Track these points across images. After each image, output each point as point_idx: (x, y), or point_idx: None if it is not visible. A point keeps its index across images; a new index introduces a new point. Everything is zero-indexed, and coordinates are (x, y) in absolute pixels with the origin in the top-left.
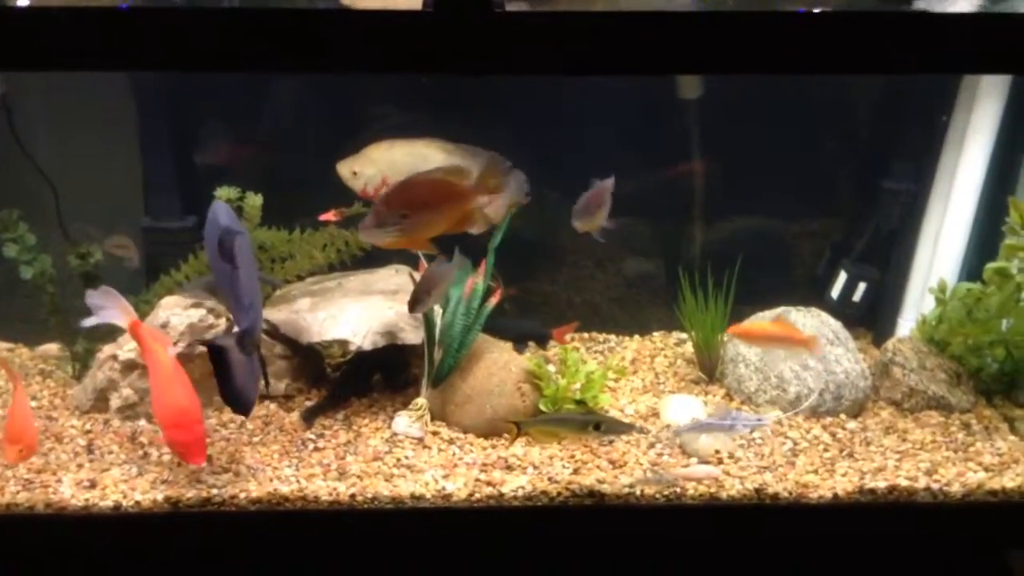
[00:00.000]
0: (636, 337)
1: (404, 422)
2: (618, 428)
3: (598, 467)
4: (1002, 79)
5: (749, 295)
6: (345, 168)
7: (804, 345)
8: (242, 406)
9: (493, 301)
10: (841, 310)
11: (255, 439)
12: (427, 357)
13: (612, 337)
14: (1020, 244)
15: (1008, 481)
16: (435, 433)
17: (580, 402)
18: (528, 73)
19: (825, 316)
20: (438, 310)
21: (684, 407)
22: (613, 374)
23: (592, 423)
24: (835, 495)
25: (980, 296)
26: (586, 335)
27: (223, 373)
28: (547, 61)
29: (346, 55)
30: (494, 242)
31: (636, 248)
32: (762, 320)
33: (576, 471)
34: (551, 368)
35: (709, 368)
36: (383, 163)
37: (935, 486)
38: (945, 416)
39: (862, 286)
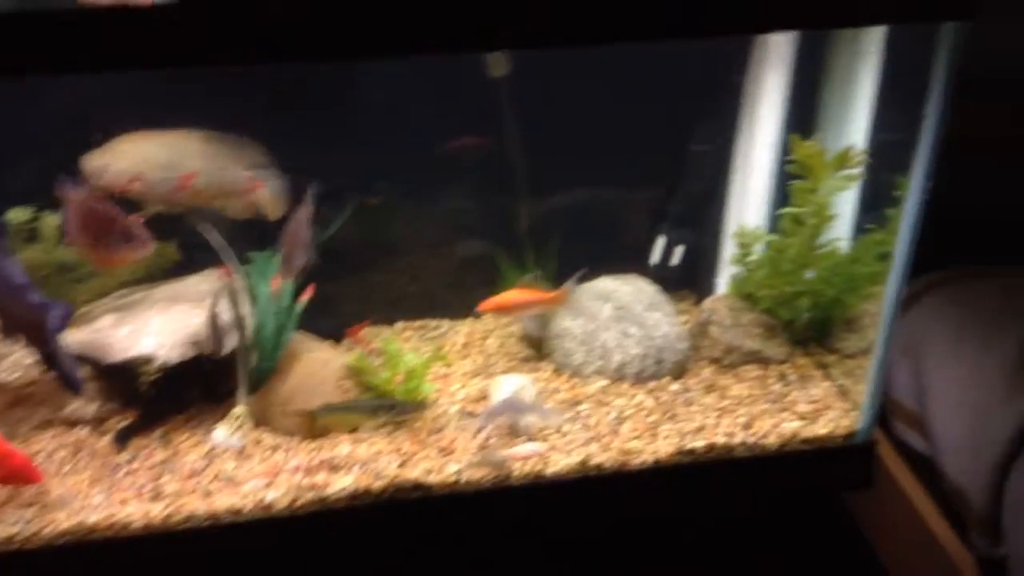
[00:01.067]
0: (469, 320)
1: (223, 433)
2: (410, 408)
3: (427, 457)
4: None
5: (576, 268)
6: (92, 163)
7: (555, 302)
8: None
9: (305, 298)
10: (662, 275)
11: (65, 468)
12: (241, 362)
13: (445, 323)
14: (807, 186)
15: (821, 428)
16: (258, 441)
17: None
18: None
19: (642, 282)
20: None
21: (512, 387)
22: (437, 361)
23: (385, 406)
24: (656, 460)
25: (780, 247)
26: (419, 323)
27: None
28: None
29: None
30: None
31: (467, 230)
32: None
33: (403, 464)
34: (377, 361)
35: (538, 344)
36: (135, 157)
37: (752, 440)
38: (763, 369)
39: (679, 249)
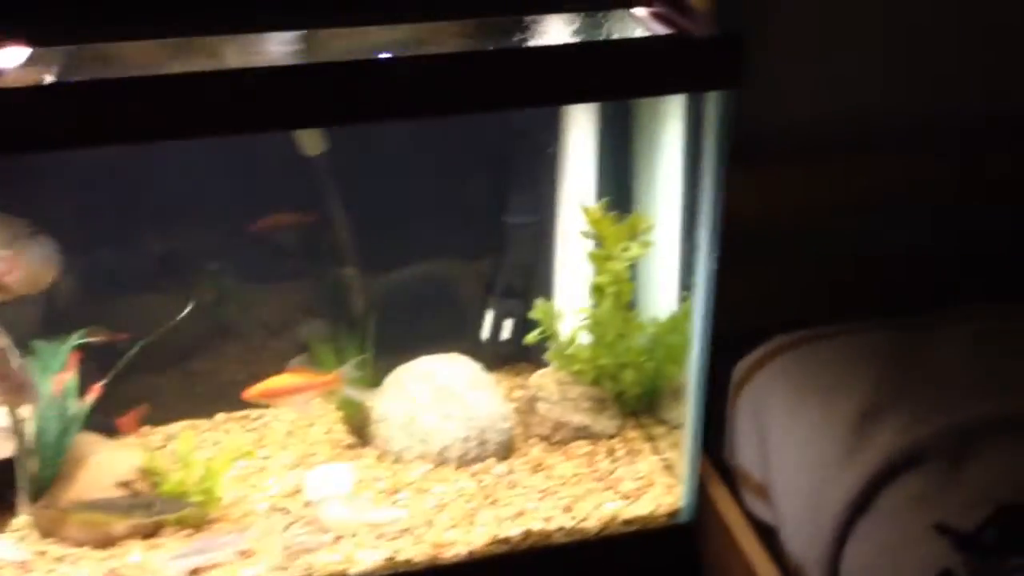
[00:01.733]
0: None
1: (4, 546)
2: (172, 507)
3: (225, 561)
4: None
5: (403, 346)
6: None
7: (329, 386)
8: None
9: (90, 397)
10: (494, 349)
11: None
12: (21, 470)
13: (269, 411)
14: (601, 253)
15: (643, 507)
16: (42, 553)
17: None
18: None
19: (464, 360)
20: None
21: (327, 479)
22: (242, 458)
23: (142, 505)
24: (471, 551)
25: (599, 318)
26: (242, 413)
27: None
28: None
29: None
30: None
31: (302, 312)
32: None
33: (195, 571)
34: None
35: (360, 430)
36: None
37: (571, 524)
38: (593, 444)
39: (508, 323)
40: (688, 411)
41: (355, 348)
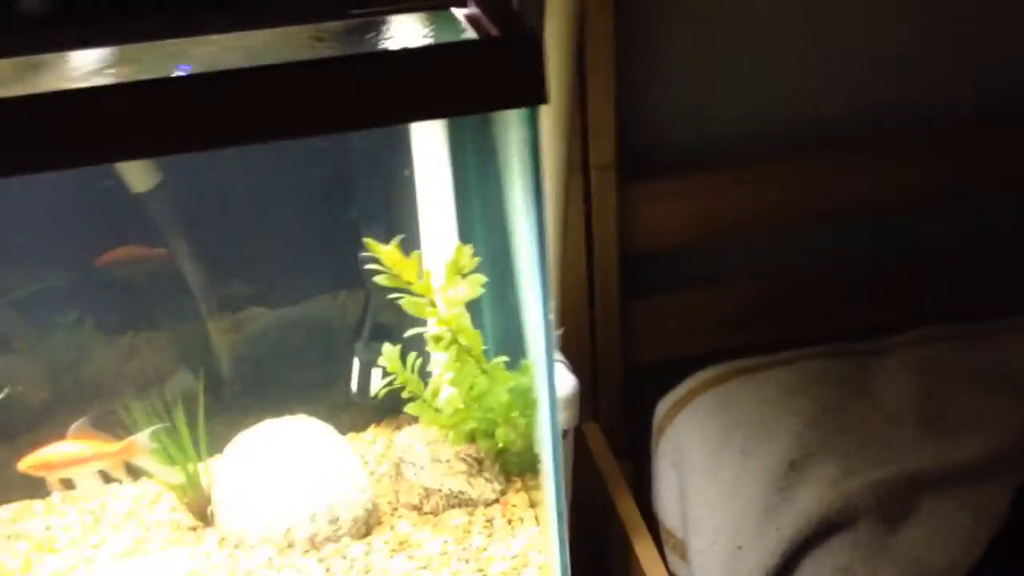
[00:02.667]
0: (143, 479)
1: None
2: None
3: None
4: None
5: (254, 404)
6: None
7: (121, 456)
8: None
9: None
10: (365, 403)
11: None
12: None
13: (111, 487)
14: (419, 301)
15: None
16: None
17: None
18: None
19: (313, 422)
20: None
21: (153, 572)
22: (43, 552)
23: None
24: None
25: (457, 370)
26: (77, 492)
27: None
28: None
29: None
30: None
31: (163, 363)
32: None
33: None
34: None
35: (201, 510)
36: None
37: None
38: (469, 513)
39: (377, 373)
40: (546, 488)
41: (178, 407)
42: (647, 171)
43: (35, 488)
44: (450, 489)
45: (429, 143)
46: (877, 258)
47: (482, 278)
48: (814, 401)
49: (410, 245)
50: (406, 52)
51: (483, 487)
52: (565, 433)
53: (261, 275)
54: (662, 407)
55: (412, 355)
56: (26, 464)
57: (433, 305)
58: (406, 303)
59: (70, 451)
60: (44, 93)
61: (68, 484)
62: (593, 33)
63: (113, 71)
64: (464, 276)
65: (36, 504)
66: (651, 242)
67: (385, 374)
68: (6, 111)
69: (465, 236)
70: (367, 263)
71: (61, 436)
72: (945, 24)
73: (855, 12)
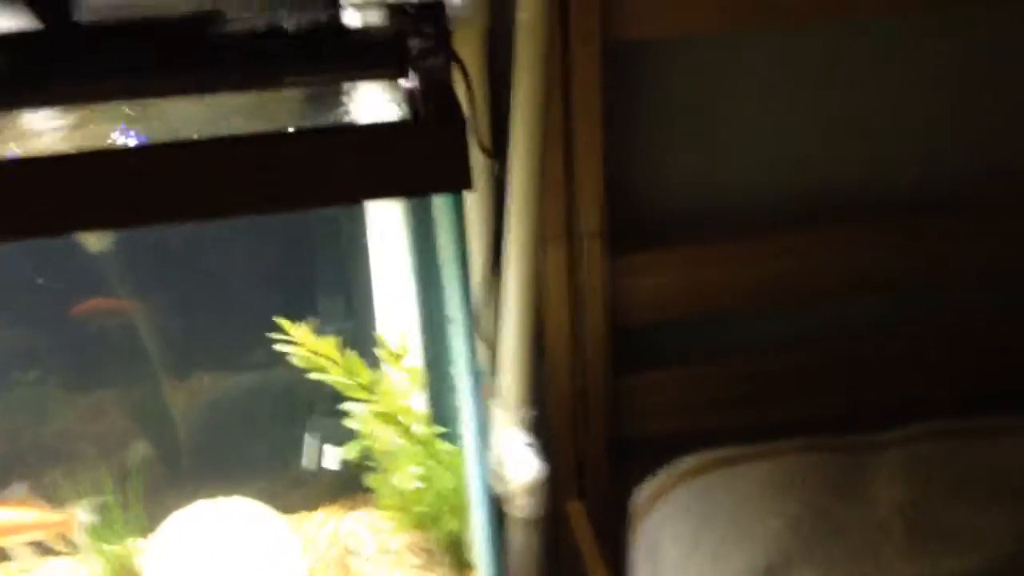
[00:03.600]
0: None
1: None
2: None
3: None
4: None
5: (197, 479)
6: None
7: (59, 528)
8: None
9: None
10: (318, 479)
11: None
12: None
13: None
14: (347, 382)
15: None
16: None
17: None
18: None
19: (248, 503)
20: None
21: None
22: None
23: None
24: None
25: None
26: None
27: None
28: None
29: None
30: None
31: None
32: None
33: None
34: None
35: None
36: None
37: None
38: None
39: (330, 449)
40: None
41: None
42: (636, 241)
43: None
44: None
45: (384, 213)
46: (876, 338)
47: (418, 369)
48: (798, 501)
49: (364, 315)
50: (319, 132)
51: None
52: (535, 520)
53: (218, 342)
54: (639, 496)
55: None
56: None
57: (363, 388)
58: (334, 383)
59: (8, 519)
60: None
61: (2, 554)
62: (580, 97)
63: (62, 135)
64: (400, 361)
65: None
66: (640, 314)
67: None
68: None
69: (425, 306)
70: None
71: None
72: (948, 97)
73: (852, 83)
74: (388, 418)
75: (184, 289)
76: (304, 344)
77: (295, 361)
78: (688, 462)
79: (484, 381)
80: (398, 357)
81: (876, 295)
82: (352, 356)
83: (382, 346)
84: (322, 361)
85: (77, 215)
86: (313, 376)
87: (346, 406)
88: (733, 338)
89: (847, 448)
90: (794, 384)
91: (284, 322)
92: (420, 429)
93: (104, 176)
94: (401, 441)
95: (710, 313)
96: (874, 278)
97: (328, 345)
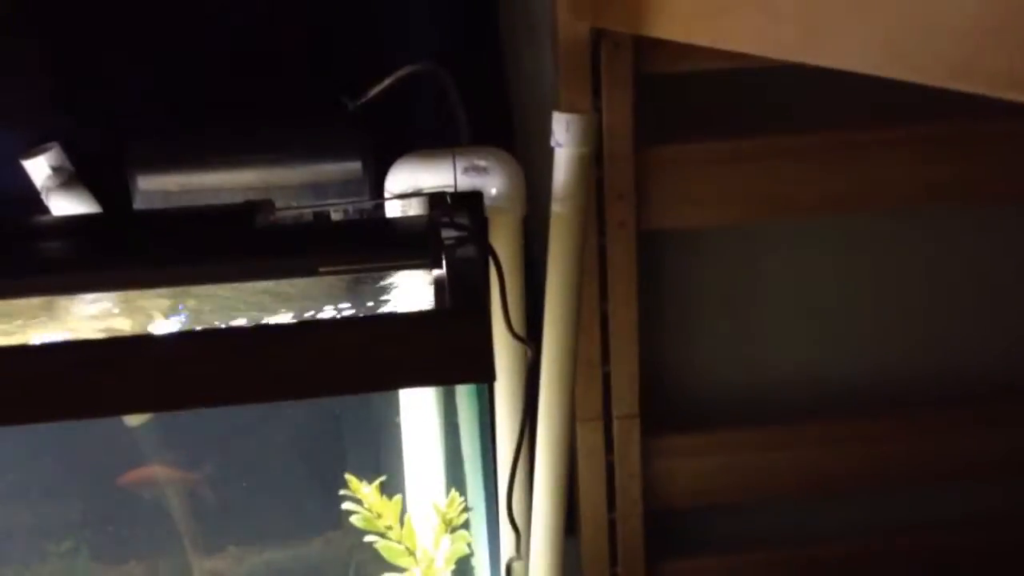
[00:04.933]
0: None
1: None
2: None
3: None
4: None
5: None
6: None
7: None
8: None
9: None
10: None
11: None
12: None
13: None
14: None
15: None
16: None
17: None
18: None
19: None
20: None
21: None
22: None
23: None
24: None
25: None
26: None
27: None
28: None
29: None
30: None
31: None
32: None
33: None
34: None
35: None
36: None
37: None
38: None
39: None
40: None
41: None
42: (672, 424)
43: None
44: None
45: (417, 398)
46: (920, 532)
47: (467, 536)
48: None
49: (394, 492)
50: (346, 322)
51: None
52: None
53: (247, 518)
54: None
55: None
56: None
57: (411, 554)
58: (382, 548)
59: None
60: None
61: None
62: (615, 282)
63: (109, 318)
64: (452, 531)
65: None
66: (678, 499)
67: None
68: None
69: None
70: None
71: None
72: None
73: (894, 273)
74: None
75: (219, 465)
76: (371, 505)
77: (356, 522)
78: None
79: (513, 567)
80: (454, 527)
81: (915, 489)
82: (408, 522)
83: (438, 513)
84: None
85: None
86: (369, 539)
87: None
88: (777, 524)
89: None
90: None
91: (352, 479)
92: None
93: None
94: None
95: (752, 498)
96: (939, 466)
97: (393, 506)
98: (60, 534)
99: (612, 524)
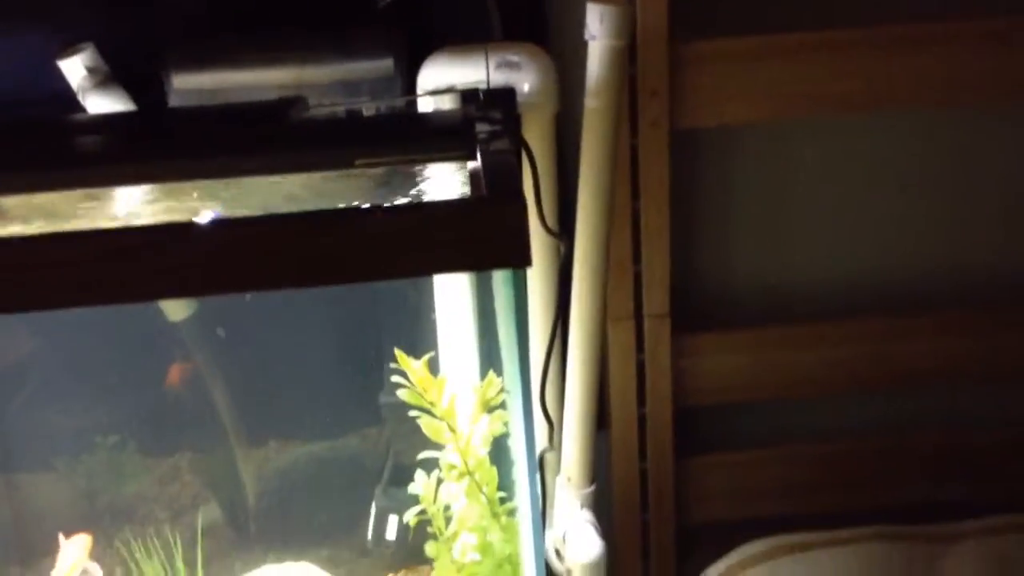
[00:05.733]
0: None
1: None
2: None
3: None
4: None
5: (271, 543)
6: None
7: None
8: None
9: None
10: (380, 552)
11: None
12: None
13: None
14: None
15: None
16: None
17: None
18: None
19: (315, 570)
20: None
21: None
22: None
23: None
24: None
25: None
26: None
27: None
28: None
29: None
30: None
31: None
32: None
33: None
34: None
35: None
36: None
37: None
38: None
39: (393, 519)
40: None
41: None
42: (701, 323)
43: None
44: None
45: (451, 289)
46: (951, 427)
47: (506, 415)
48: None
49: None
50: (384, 210)
51: None
52: None
53: (287, 410)
54: None
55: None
56: None
57: (452, 431)
58: (424, 424)
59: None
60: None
61: None
62: (647, 180)
63: (147, 211)
64: (490, 411)
65: None
66: (706, 396)
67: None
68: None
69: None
70: (391, 408)
71: None
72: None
73: (923, 176)
74: (463, 473)
75: (258, 359)
76: (417, 380)
77: (404, 396)
78: (757, 547)
79: (546, 458)
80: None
81: (943, 385)
82: (453, 400)
83: (477, 393)
84: (424, 401)
85: (164, 283)
86: (414, 414)
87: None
88: (803, 422)
89: (923, 538)
90: (868, 470)
91: (401, 354)
92: (487, 493)
93: (188, 248)
94: (466, 502)
95: (780, 396)
96: (965, 366)
97: (439, 384)
98: (107, 428)
99: (642, 420)
